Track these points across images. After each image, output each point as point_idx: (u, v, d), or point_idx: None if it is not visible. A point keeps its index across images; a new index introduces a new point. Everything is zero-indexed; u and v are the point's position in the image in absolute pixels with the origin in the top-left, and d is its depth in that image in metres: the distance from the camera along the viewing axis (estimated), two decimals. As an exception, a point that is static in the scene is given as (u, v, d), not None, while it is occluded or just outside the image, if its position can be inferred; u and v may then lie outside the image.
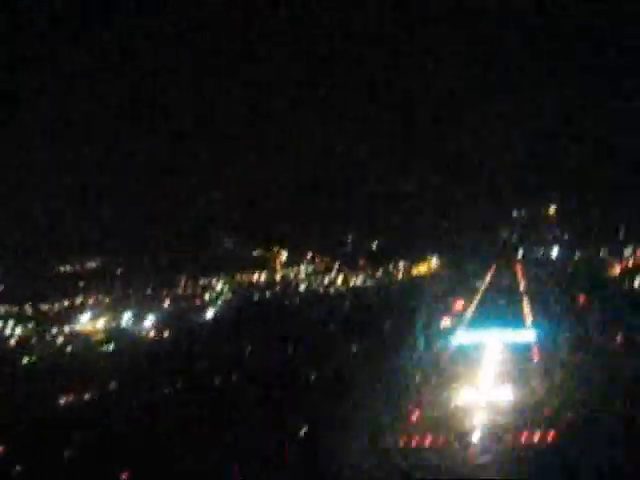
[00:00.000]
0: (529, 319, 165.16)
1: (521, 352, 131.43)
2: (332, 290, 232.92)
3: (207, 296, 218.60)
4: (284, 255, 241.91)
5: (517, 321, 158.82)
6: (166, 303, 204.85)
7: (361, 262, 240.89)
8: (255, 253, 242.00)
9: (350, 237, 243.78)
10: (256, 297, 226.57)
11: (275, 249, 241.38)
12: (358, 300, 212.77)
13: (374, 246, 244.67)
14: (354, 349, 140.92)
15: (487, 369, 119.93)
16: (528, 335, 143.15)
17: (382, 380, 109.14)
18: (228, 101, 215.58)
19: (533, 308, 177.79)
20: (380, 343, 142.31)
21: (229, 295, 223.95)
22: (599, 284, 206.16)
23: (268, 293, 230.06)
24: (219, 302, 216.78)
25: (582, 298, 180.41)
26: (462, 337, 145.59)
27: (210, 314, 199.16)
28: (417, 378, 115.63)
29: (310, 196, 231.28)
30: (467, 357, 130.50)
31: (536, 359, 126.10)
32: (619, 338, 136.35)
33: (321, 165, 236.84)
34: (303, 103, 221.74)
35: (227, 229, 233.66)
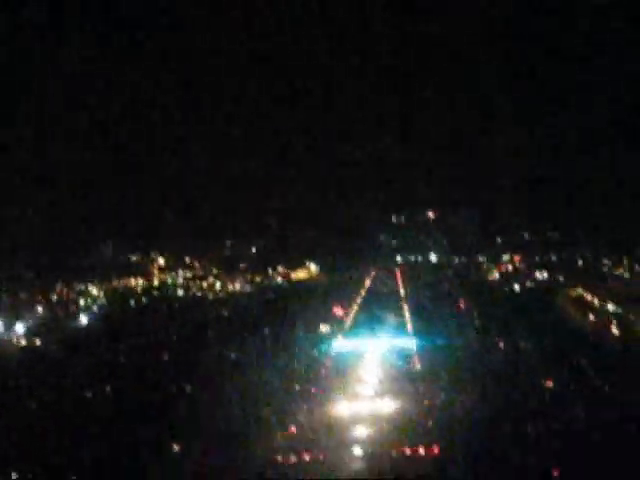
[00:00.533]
0: (409, 325, 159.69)
1: (402, 359, 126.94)
2: (210, 296, 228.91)
3: (82, 302, 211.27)
4: (161, 260, 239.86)
5: (398, 327, 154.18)
6: (41, 308, 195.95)
7: (241, 266, 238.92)
8: (133, 258, 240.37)
9: (229, 242, 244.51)
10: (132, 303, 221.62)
11: (153, 254, 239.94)
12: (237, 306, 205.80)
13: (254, 250, 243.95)
14: (232, 356, 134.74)
15: (368, 377, 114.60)
16: (409, 342, 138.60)
17: (258, 390, 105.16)
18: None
19: (413, 313, 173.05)
20: (259, 350, 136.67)
21: (104, 301, 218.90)
22: (480, 288, 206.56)
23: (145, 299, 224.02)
24: (95, 308, 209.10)
25: (462, 303, 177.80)
26: (342, 344, 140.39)
27: (84, 320, 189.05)
28: (296, 387, 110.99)
29: (191, 201, 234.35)
30: (347, 365, 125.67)
31: (417, 366, 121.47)
32: (499, 343, 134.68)
33: (203, 173, 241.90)
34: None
35: (105, 234, 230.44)
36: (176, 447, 79.74)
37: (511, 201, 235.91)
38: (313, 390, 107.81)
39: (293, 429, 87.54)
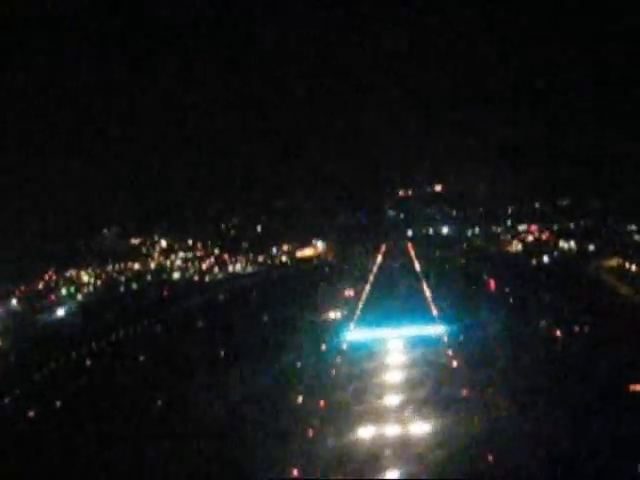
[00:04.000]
0: (433, 308, 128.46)
1: (431, 351, 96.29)
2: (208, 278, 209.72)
3: (65, 291, 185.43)
4: (163, 242, 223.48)
5: (419, 311, 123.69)
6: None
7: (244, 246, 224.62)
8: (135, 242, 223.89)
9: (234, 221, 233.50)
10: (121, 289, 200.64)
11: (155, 236, 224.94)
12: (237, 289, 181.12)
13: (258, 229, 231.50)
14: (222, 354, 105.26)
15: (392, 383, 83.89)
16: (437, 330, 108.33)
17: (252, 404, 76.54)
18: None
19: (435, 294, 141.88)
20: (258, 344, 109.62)
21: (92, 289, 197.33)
22: (505, 262, 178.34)
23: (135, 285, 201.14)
24: (79, 296, 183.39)
25: (492, 283, 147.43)
26: (356, 335, 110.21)
27: (61, 312, 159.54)
28: (301, 394, 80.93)
29: (194, 181, 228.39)
30: (364, 364, 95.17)
31: (452, 362, 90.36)
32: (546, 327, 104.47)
33: (204, 152, 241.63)
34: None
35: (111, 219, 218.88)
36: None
37: (517, 170, 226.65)
38: (321, 404, 76.94)
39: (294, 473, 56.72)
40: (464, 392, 76.28)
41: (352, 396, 78.96)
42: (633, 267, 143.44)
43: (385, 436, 65.09)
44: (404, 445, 62.01)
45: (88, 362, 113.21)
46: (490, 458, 55.26)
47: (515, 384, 75.12)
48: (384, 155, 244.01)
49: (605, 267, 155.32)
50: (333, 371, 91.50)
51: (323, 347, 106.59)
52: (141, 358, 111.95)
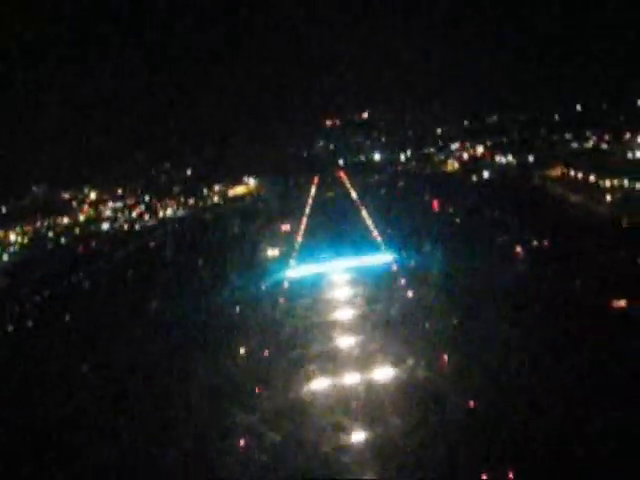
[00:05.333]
0: (377, 235, 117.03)
1: (386, 286, 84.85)
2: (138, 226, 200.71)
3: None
4: (93, 195, 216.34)
5: (363, 240, 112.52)
6: None
7: (175, 190, 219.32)
8: (66, 196, 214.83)
9: (165, 166, 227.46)
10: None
11: (85, 189, 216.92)
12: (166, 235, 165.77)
13: (188, 173, 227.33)
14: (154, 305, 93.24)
15: (345, 324, 72.61)
16: (383, 257, 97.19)
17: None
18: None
19: (377, 221, 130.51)
20: (191, 291, 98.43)
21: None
22: (443, 181, 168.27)
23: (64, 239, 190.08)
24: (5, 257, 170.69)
25: (435, 203, 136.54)
26: (298, 271, 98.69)
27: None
28: (243, 345, 68.62)
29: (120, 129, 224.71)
30: (309, 299, 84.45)
31: (409, 295, 79.03)
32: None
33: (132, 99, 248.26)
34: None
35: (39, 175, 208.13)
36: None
37: (443, 92, 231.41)
38: (265, 354, 65.64)
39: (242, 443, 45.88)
40: (429, 326, 65.41)
41: (300, 343, 67.94)
42: (579, 175, 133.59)
43: (343, 391, 54.54)
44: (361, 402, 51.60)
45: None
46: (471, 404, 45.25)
47: (490, 313, 64.36)
48: (309, 86, 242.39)
49: (549, 177, 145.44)
50: (277, 314, 79.88)
51: (263, 288, 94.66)
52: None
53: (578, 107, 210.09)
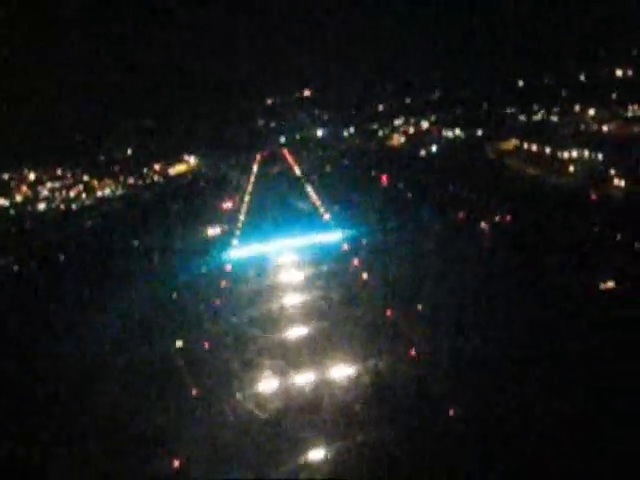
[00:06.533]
0: (324, 213, 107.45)
1: (336, 268, 75.54)
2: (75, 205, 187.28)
3: None
4: (32, 175, 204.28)
5: (310, 218, 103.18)
6: None
7: (115, 169, 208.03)
8: (5, 176, 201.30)
9: (105, 146, 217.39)
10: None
11: (25, 170, 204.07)
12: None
13: (129, 152, 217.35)
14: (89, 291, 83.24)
15: (292, 310, 63.60)
16: (334, 237, 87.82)
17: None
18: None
19: (322, 196, 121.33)
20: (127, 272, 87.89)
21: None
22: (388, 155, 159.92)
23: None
24: None
25: (384, 178, 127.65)
26: (241, 251, 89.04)
27: None
28: (180, 338, 60.27)
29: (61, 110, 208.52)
30: (253, 281, 75.10)
31: (363, 276, 69.87)
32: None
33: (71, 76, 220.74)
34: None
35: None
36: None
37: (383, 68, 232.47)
38: (205, 346, 56.45)
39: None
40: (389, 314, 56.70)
41: (243, 333, 58.84)
42: (533, 147, 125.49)
43: (294, 388, 46.04)
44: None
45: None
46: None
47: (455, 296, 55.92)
48: (250, 64, 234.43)
49: (502, 150, 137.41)
50: (217, 301, 70.33)
51: (203, 270, 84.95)
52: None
53: (520, 82, 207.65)
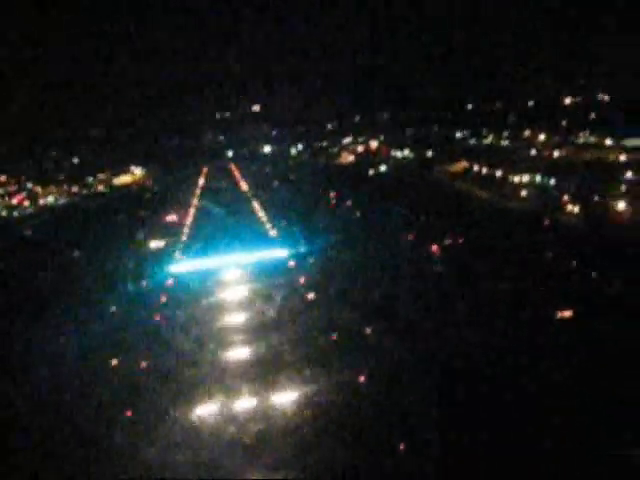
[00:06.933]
0: (271, 229, 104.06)
1: (282, 285, 72.23)
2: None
3: None
4: None
5: (256, 234, 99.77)
6: None
7: (60, 177, 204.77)
8: None
9: (51, 154, 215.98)
10: None
11: None
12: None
13: (75, 161, 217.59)
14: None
15: (233, 321, 60.49)
16: (281, 254, 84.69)
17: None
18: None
19: (269, 211, 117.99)
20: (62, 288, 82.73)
21: None
22: (338, 173, 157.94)
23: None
24: None
25: (333, 194, 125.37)
26: (184, 264, 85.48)
27: None
28: (116, 357, 56.48)
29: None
30: (195, 297, 71.96)
31: (310, 295, 66.68)
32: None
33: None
34: None
35: None
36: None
37: (335, 88, 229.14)
38: (142, 365, 53.05)
39: None
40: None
41: (182, 355, 55.32)
42: (484, 170, 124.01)
43: (232, 416, 43.02)
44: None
45: None
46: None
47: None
48: (199, 78, 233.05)
49: (451, 172, 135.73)
50: (157, 317, 66.62)
51: (144, 284, 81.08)
52: None
53: (469, 106, 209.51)
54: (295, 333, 56.66)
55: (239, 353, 54.46)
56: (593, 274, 60.59)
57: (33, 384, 52.01)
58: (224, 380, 49.34)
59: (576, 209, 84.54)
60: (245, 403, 45.35)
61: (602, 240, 71.98)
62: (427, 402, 41.83)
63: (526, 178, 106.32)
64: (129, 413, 45.55)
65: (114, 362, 55.17)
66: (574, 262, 64.87)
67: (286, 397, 45.20)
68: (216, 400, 46.15)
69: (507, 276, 61.58)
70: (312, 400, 44.68)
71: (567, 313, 52.17)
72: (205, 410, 45.23)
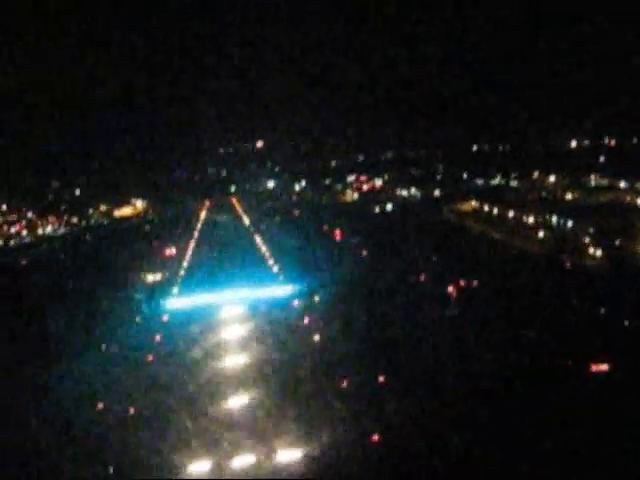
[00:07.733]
0: (274, 265, 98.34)
1: (285, 325, 66.67)
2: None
3: None
4: None
5: (258, 269, 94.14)
6: None
7: (62, 208, 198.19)
8: None
9: (52, 184, 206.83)
10: None
11: None
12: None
13: (77, 192, 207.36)
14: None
15: (232, 365, 54.93)
16: (283, 289, 79.24)
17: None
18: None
19: (272, 247, 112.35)
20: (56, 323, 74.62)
21: None
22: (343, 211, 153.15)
23: None
24: None
25: (338, 232, 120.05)
26: (181, 299, 79.98)
27: None
28: (104, 399, 51.21)
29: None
30: (192, 337, 66.34)
31: (315, 338, 61.08)
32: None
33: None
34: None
35: None
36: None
37: (340, 126, 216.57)
38: (130, 411, 47.50)
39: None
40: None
41: (174, 401, 49.63)
42: (494, 210, 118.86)
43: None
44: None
45: None
46: None
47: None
48: (203, 112, 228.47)
49: (461, 211, 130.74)
50: (150, 357, 61.01)
51: (137, 319, 75.61)
52: None
53: (474, 147, 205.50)
54: (298, 381, 51.08)
55: (235, 401, 49.05)
56: (625, 322, 55.20)
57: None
58: (215, 434, 43.68)
59: (598, 252, 79.37)
60: (238, 462, 39.73)
61: (628, 284, 66.69)
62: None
63: (539, 219, 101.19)
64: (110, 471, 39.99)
65: (99, 406, 49.69)
66: (602, 308, 59.53)
67: (286, 456, 39.59)
68: (206, 457, 40.54)
69: (532, 323, 56.07)
70: (316, 461, 39.06)
71: (602, 367, 46.45)
72: (194, 469, 39.63)
